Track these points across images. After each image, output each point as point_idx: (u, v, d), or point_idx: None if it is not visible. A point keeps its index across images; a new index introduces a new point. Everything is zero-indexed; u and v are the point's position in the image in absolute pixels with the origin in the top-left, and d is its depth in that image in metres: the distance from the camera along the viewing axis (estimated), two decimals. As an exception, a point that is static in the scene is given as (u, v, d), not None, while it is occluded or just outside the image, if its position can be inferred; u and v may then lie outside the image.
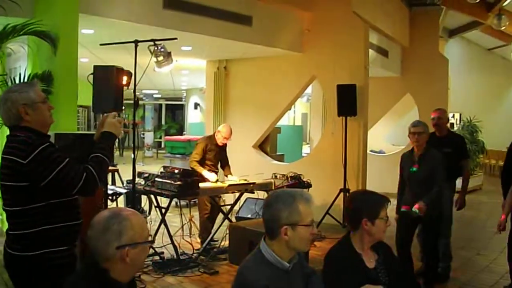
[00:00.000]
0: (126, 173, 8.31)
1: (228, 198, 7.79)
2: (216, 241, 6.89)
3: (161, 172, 6.35)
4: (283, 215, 2.33)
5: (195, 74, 14.91)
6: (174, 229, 6.94)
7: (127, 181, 6.80)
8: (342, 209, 8.04)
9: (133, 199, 5.98)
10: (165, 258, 6.34)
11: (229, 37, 8.09)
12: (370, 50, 9.45)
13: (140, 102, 27.94)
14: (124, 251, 2.03)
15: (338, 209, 8.26)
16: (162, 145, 23.64)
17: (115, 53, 8.45)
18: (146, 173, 6.48)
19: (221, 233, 6.87)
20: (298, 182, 7.43)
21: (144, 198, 7.36)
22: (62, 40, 5.66)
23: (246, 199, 7.71)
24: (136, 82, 5.23)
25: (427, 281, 5.28)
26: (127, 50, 6.09)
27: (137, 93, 5.32)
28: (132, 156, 5.64)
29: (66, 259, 2.74)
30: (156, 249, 6.36)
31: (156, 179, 6.22)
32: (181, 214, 7.00)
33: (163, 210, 6.36)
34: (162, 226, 6.36)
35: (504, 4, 11.66)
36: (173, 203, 6.55)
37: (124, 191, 6.72)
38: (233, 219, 7.39)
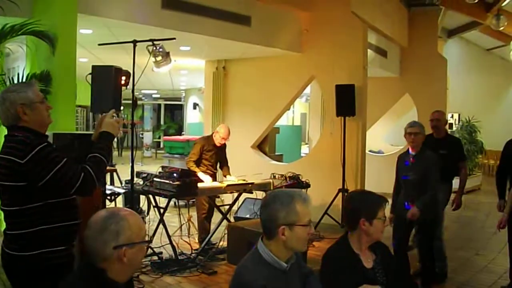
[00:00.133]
0: (124, 173, 8.31)
1: (227, 198, 7.79)
2: (215, 243, 6.88)
3: (159, 172, 6.35)
4: (281, 215, 2.33)
5: (194, 74, 14.92)
6: (173, 229, 6.94)
7: (125, 181, 6.80)
8: (340, 209, 8.06)
9: (131, 199, 5.98)
10: (164, 258, 6.34)
11: (228, 37, 8.09)
12: (368, 50, 9.45)
13: (139, 102, 27.92)
14: (121, 251, 2.02)
15: (336, 209, 8.27)
16: (161, 145, 23.62)
17: (114, 53, 8.46)
18: (145, 173, 6.48)
19: (219, 233, 6.87)
20: (296, 182, 7.43)
21: (142, 198, 7.36)
22: (60, 40, 5.66)
23: (245, 199, 7.71)
24: (134, 82, 5.23)
25: (425, 282, 5.29)
26: (126, 50, 6.10)
27: (136, 93, 5.31)
28: (131, 156, 5.63)
29: (64, 259, 2.74)
30: (155, 249, 6.37)
31: (155, 179, 6.22)
32: (179, 214, 7.01)
33: (162, 210, 6.36)
34: (161, 226, 6.36)
35: (503, 4, 11.67)
36: (172, 203, 6.55)
37: (122, 191, 6.72)
38: (232, 219, 7.39)
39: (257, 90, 10.07)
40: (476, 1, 10.36)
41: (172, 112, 30.94)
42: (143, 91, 25.40)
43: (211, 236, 6.82)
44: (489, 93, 17.94)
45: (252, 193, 7.06)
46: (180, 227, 7.07)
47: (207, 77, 10.96)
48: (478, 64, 18.23)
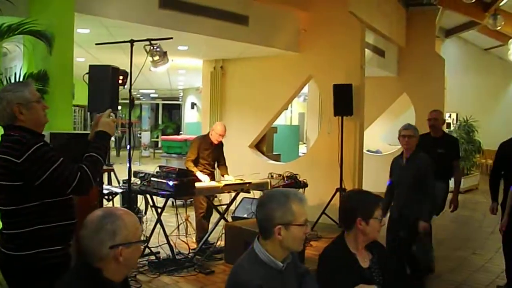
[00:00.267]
0: (122, 172, 8.30)
1: (225, 198, 7.79)
2: (213, 243, 6.87)
3: (157, 172, 6.34)
4: (277, 215, 2.33)
5: (191, 73, 14.91)
6: (170, 228, 6.94)
7: (123, 180, 6.79)
8: (338, 208, 8.04)
9: (128, 198, 5.98)
10: (161, 258, 6.33)
11: (225, 37, 8.08)
12: (366, 50, 9.45)
13: (137, 102, 27.95)
14: (117, 250, 2.03)
15: (334, 208, 8.23)
16: (159, 145, 23.62)
17: (112, 52, 8.45)
18: (142, 172, 6.48)
19: (217, 233, 6.86)
20: (294, 182, 7.44)
21: (140, 197, 7.35)
22: (57, 39, 5.64)
23: (243, 198, 7.71)
24: (132, 82, 5.23)
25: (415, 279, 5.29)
26: (123, 49, 6.09)
27: (134, 93, 5.33)
28: (128, 155, 5.63)
29: (60, 258, 2.74)
30: (152, 249, 6.36)
31: (152, 178, 6.22)
32: (177, 214, 7.01)
33: (159, 210, 6.36)
34: (158, 225, 6.36)
35: (501, 4, 11.67)
36: (169, 202, 6.55)
37: (120, 190, 6.72)
38: (229, 219, 7.39)
39: (255, 89, 10.06)
40: (473, 0, 10.38)
41: (170, 112, 30.94)
42: (141, 91, 25.40)
43: (208, 236, 6.82)
44: (487, 92, 17.94)
45: (249, 192, 7.06)
46: (178, 226, 7.07)
47: (204, 77, 10.95)
48: (476, 63, 18.23)
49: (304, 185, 7.51)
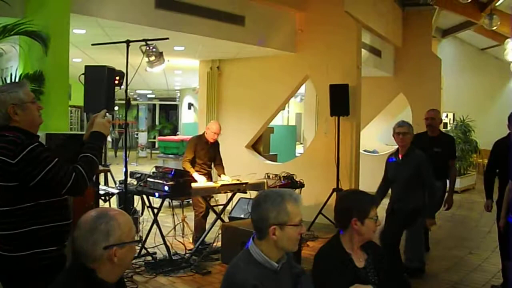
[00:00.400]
0: (119, 173, 8.29)
1: (222, 198, 7.79)
2: (209, 243, 6.87)
3: (153, 172, 6.34)
4: (271, 215, 2.33)
5: (188, 74, 14.91)
6: (167, 229, 6.93)
7: (119, 181, 6.79)
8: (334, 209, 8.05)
9: (125, 199, 5.98)
10: (158, 258, 6.32)
11: (221, 37, 8.08)
12: (363, 50, 9.46)
13: (134, 102, 27.92)
14: (111, 251, 2.02)
15: (331, 209, 8.21)
16: (156, 145, 23.60)
17: (108, 53, 8.45)
18: (138, 173, 6.47)
19: (213, 233, 6.86)
20: (291, 182, 7.44)
21: (136, 198, 7.35)
22: (53, 40, 5.64)
23: (239, 199, 7.71)
24: (128, 82, 5.23)
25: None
26: (120, 50, 6.09)
27: (131, 93, 5.32)
28: (124, 156, 5.62)
29: (55, 259, 2.74)
30: (149, 250, 6.35)
31: (148, 179, 6.21)
32: (173, 215, 7.00)
33: (156, 211, 6.35)
34: (155, 226, 6.35)
35: (497, 4, 11.70)
36: (166, 203, 6.54)
37: (116, 191, 6.71)
38: (226, 219, 7.38)
39: (251, 90, 10.06)
40: (469, 0, 10.40)
41: (167, 112, 30.90)
42: (138, 91, 25.35)
43: (205, 236, 6.82)
44: (484, 92, 17.98)
45: (246, 193, 7.06)
46: (174, 227, 7.06)
47: (201, 77, 10.95)
48: (472, 63, 18.27)
49: (301, 185, 7.51)
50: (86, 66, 4.75)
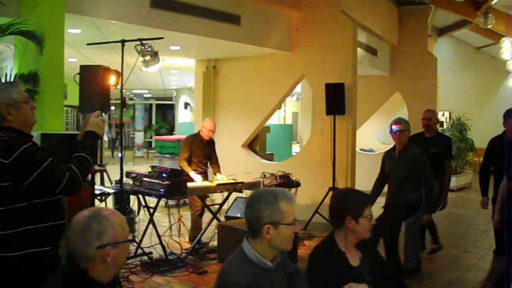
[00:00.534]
0: (115, 173, 8.28)
1: (217, 198, 7.79)
2: (206, 243, 6.87)
3: (149, 172, 6.34)
4: (265, 214, 2.33)
5: (184, 73, 14.90)
6: (163, 229, 6.93)
7: (115, 181, 6.78)
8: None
9: (121, 199, 5.97)
10: (154, 258, 6.31)
11: (217, 37, 8.07)
12: (358, 49, 9.46)
13: (131, 102, 27.89)
14: (105, 250, 2.02)
15: (327, 207, 8.10)
16: (153, 145, 23.57)
17: (104, 52, 8.44)
18: (134, 173, 6.47)
19: (210, 233, 6.86)
20: (287, 181, 7.44)
21: (132, 198, 7.35)
22: (48, 39, 5.62)
23: (236, 198, 7.70)
24: (123, 82, 5.22)
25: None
26: (115, 49, 6.07)
27: (127, 93, 5.32)
28: (120, 156, 5.62)
29: (50, 259, 2.73)
30: (145, 249, 6.34)
31: (144, 179, 6.21)
32: (169, 214, 7.00)
33: (151, 210, 6.35)
34: (151, 226, 6.35)
35: (492, 2, 11.71)
36: (162, 202, 6.54)
37: (112, 191, 6.71)
38: (222, 219, 7.38)
39: (247, 89, 10.06)
40: (464, -1, 10.42)
41: (163, 112, 30.87)
42: (134, 91, 25.31)
43: (201, 235, 6.82)
44: (480, 91, 18.02)
45: (242, 192, 7.06)
46: (170, 227, 7.06)
47: (197, 77, 10.93)
48: (468, 62, 18.31)
49: (297, 184, 7.52)
50: (81, 66, 4.75)
